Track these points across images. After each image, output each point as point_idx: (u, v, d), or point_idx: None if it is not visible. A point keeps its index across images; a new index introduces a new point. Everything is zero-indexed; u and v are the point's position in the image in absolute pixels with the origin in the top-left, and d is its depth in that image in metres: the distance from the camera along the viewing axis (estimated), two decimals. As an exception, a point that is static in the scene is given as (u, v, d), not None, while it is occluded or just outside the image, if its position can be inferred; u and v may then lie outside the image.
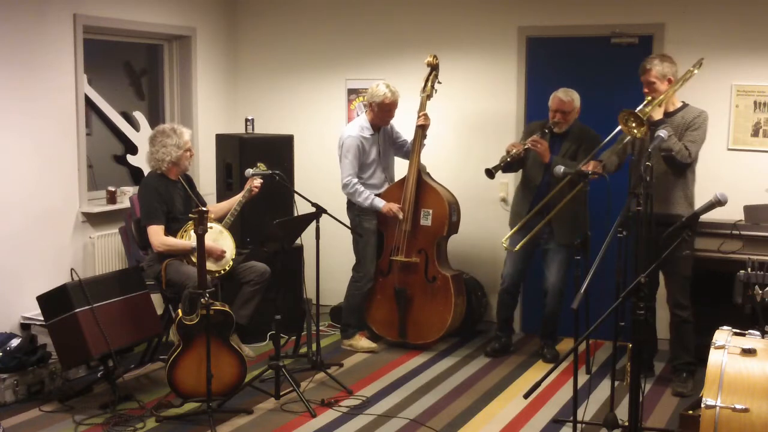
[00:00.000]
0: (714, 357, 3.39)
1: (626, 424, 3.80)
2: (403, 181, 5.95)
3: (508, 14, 6.32)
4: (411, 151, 5.93)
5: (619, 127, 4.89)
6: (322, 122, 6.92)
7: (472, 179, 6.31)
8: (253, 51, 7.18)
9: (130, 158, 6.58)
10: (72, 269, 5.40)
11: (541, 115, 5.82)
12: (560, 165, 5.20)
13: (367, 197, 5.84)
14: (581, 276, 4.59)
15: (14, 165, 5.42)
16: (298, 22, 6.99)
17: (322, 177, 6.64)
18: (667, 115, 5.02)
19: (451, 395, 5.14)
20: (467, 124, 6.51)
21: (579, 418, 4.20)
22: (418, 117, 5.86)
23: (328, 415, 4.80)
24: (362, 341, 6.01)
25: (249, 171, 5.34)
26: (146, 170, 5.66)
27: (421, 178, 5.93)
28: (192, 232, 4.82)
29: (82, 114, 5.88)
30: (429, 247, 5.94)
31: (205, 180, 6.79)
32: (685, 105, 5.12)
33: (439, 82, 5.91)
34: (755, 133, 5.74)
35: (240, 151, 6.03)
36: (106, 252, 6.04)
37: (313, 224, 5.25)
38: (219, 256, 5.21)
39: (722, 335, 3.53)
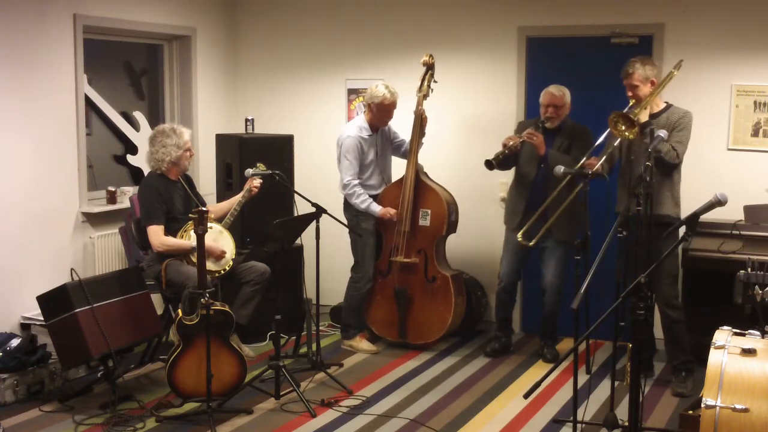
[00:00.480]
0: (714, 357, 3.39)
1: (626, 424, 3.81)
2: (400, 181, 5.95)
3: (508, 14, 6.32)
4: (409, 150, 5.92)
5: (608, 130, 4.91)
6: (322, 122, 6.92)
7: (472, 179, 6.32)
8: (253, 51, 7.18)
9: (130, 158, 6.58)
10: (72, 269, 5.40)
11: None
12: (560, 165, 5.21)
13: (364, 200, 5.83)
14: (581, 276, 4.59)
15: (14, 165, 5.42)
16: (298, 22, 7.00)
17: (322, 177, 6.64)
18: (652, 116, 5.05)
19: (451, 395, 5.14)
20: (467, 124, 6.51)
21: (579, 418, 4.20)
22: (416, 111, 5.84)
23: (328, 415, 4.80)
24: (363, 343, 6.01)
25: (249, 171, 5.34)
26: (146, 170, 5.66)
27: (419, 178, 5.93)
28: (192, 232, 4.82)
29: (82, 114, 5.88)
30: (428, 247, 5.94)
31: (205, 180, 6.79)
32: (668, 106, 5.13)
33: (435, 81, 5.91)
34: (755, 133, 5.74)
35: (240, 151, 6.03)
36: (106, 252, 6.04)
37: (313, 224, 5.25)
38: (219, 256, 5.21)
39: (722, 335, 3.53)
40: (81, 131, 5.87)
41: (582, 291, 3.54)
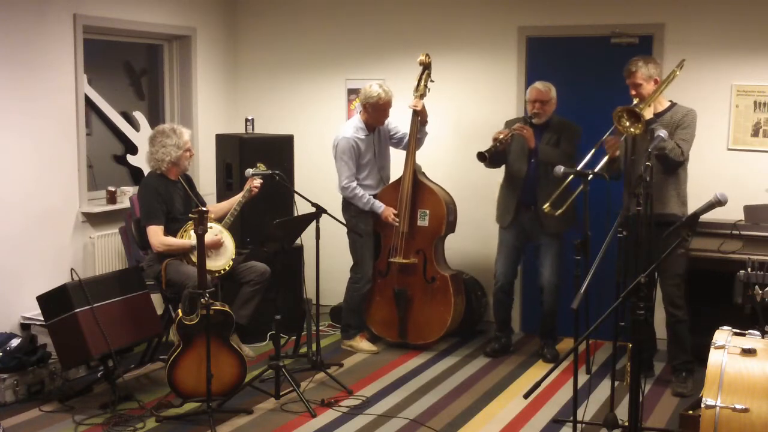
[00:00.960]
0: (714, 357, 3.39)
1: (626, 424, 3.81)
2: (398, 182, 5.95)
3: (508, 14, 6.32)
4: (407, 148, 5.92)
5: (613, 127, 4.89)
6: (322, 122, 6.92)
7: (471, 179, 6.32)
8: (253, 51, 7.18)
9: (130, 158, 6.58)
10: (72, 269, 5.40)
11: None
12: (550, 156, 5.37)
13: (367, 201, 5.84)
14: (581, 276, 4.59)
15: (14, 165, 5.42)
16: (298, 22, 7.00)
17: (322, 177, 6.64)
18: (657, 115, 5.05)
19: (451, 395, 5.14)
20: (467, 124, 6.51)
21: (579, 418, 4.20)
22: (411, 105, 5.84)
23: (328, 415, 4.80)
24: (363, 343, 6.01)
25: (249, 171, 5.34)
26: (146, 170, 5.66)
27: (417, 178, 5.93)
28: (192, 232, 4.82)
29: (82, 114, 5.88)
30: (427, 247, 5.94)
31: (205, 180, 6.79)
32: (673, 104, 5.13)
33: (431, 81, 5.91)
34: (755, 133, 5.74)
35: (240, 151, 6.03)
36: (106, 252, 6.04)
37: (313, 224, 5.25)
38: (218, 245, 5.18)
39: (722, 335, 3.53)
40: (81, 131, 5.87)
41: (582, 291, 3.54)
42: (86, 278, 5.06)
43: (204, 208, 4.61)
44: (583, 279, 3.70)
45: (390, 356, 5.89)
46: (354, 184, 5.83)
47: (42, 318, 5.03)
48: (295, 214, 5.56)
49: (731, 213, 5.20)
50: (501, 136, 5.52)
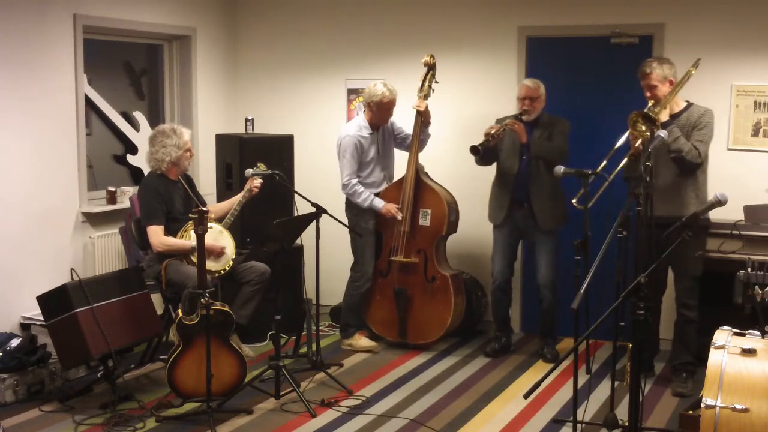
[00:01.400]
0: (714, 357, 3.39)
1: (626, 424, 3.81)
2: (401, 181, 5.96)
3: (508, 14, 6.32)
4: (410, 148, 5.93)
5: (628, 132, 4.85)
6: (322, 122, 6.92)
7: (472, 179, 6.31)
8: (253, 51, 7.18)
9: (130, 158, 6.58)
10: (72, 269, 5.40)
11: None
12: (542, 150, 5.46)
13: (367, 198, 5.84)
14: (581, 276, 4.59)
15: (14, 165, 5.42)
16: (298, 22, 7.00)
17: (322, 177, 6.64)
18: (673, 116, 5.00)
19: (451, 395, 5.14)
20: (467, 125, 6.50)
21: (579, 418, 4.20)
22: (415, 105, 5.84)
23: (328, 415, 4.80)
24: (362, 340, 6.01)
25: (249, 171, 5.34)
26: (146, 170, 5.66)
27: (419, 178, 5.93)
28: (192, 232, 4.82)
29: (82, 114, 5.88)
30: (428, 247, 5.94)
31: (205, 180, 6.79)
32: (689, 105, 5.09)
33: (436, 82, 5.92)
34: (755, 133, 5.74)
35: (240, 151, 6.03)
36: (106, 252, 6.04)
37: (313, 224, 5.26)
38: (219, 254, 5.20)
39: (722, 335, 3.53)
40: (81, 131, 5.87)
41: (582, 291, 3.54)
42: (86, 278, 5.06)
43: (204, 208, 4.61)
44: (583, 279, 3.70)
45: (390, 356, 5.89)
46: (354, 181, 5.83)
47: (42, 318, 5.03)
48: (295, 214, 5.56)
49: (731, 213, 5.19)
50: (493, 131, 5.54)
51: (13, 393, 4.92)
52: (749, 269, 4.32)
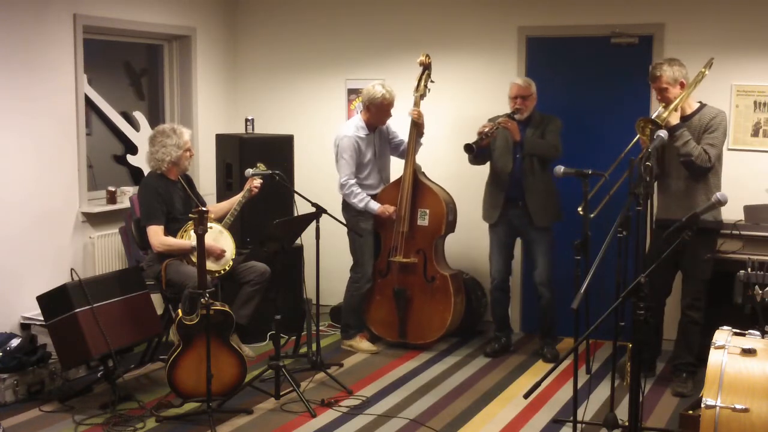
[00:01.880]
0: (714, 357, 3.39)
1: (626, 424, 3.81)
2: (398, 181, 5.95)
3: (508, 14, 6.32)
4: (406, 150, 5.93)
5: (637, 137, 4.84)
6: (322, 122, 6.92)
7: (470, 179, 6.31)
8: (253, 51, 7.18)
9: (130, 158, 6.58)
10: (72, 269, 5.40)
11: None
12: (536, 147, 5.50)
13: (363, 199, 5.84)
14: (581, 276, 4.59)
15: (14, 165, 5.42)
16: (298, 22, 6.99)
17: (322, 177, 6.64)
18: (684, 119, 4.96)
19: (451, 395, 5.14)
20: (467, 125, 6.49)
21: (579, 418, 4.20)
22: (411, 111, 5.86)
23: (328, 415, 4.80)
24: (363, 343, 6.01)
25: (249, 171, 5.34)
26: (146, 170, 5.66)
27: (417, 178, 5.93)
28: (192, 232, 4.82)
29: (82, 114, 5.88)
30: (427, 247, 5.94)
31: (205, 180, 6.79)
32: (702, 106, 5.05)
33: (432, 81, 5.92)
34: (755, 133, 5.74)
35: (240, 151, 6.03)
36: (106, 252, 6.04)
37: (313, 224, 5.25)
38: (219, 255, 5.21)
39: (722, 335, 3.54)
40: (81, 131, 5.87)
41: (582, 291, 3.54)
42: (86, 278, 5.06)
43: (204, 208, 4.61)
44: (583, 279, 3.70)
45: (390, 356, 5.89)
46: (352, 182, 5.83)
47: (42, 318, 5.03)
48: (295, 214, 5.56)
49: (731, 213, 5.19)
50: (486, 130, 5.55)
51: (13, 393, 4.92)
52: (749, 269, 4.32)
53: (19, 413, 4.80)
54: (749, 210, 5.39)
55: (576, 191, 5.04)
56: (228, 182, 6.16)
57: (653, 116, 4.81)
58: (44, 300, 4.94)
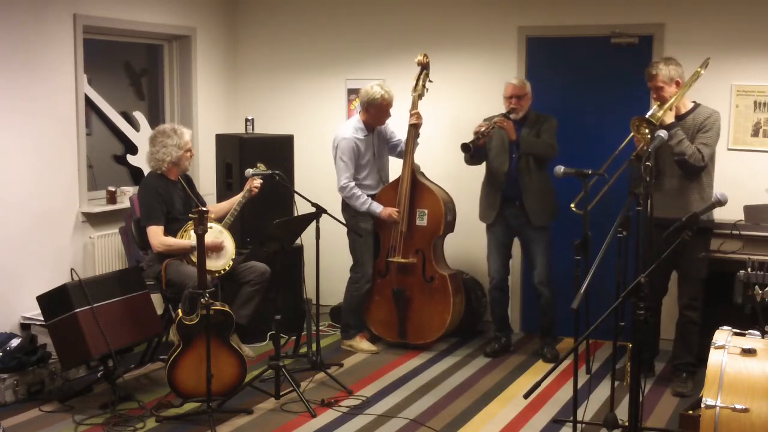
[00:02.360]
0: (714, 357, 3.39)
1: (626, 424, 3.81)
2: (397, 181, 5.95)
3: (508, 14, 6.32)
4: (405, 151, 5.93)
5: (631, 135, 4.85)
6: (322, 122, 6.92)
7: (470, 179, 6.31)
8: (253, 51, 7.18)
9: (130, 158, 6.58)
10: (72, 269, 5.40)
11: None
12: (532, 146, 5.51)
13: (365, 201, 5.83)
14: (581, 276, 4.59)
15: (14, 165, 5.42)
16: (298, 22, 7.00)
17: (322, 177, 6.64)
18: (679, 118, 4.96)
19: (451, 395, 5.14)
20: (466, 124, 6.48)
21: (579, 418, 4.20)
22: (411, 116, 5.86)
23: (328, 415, 4.80)
24: (363, 343, 6.01)
25: (249, 171, 5.34)
26: (146, 170, 5.66)
27: (415, 178, 5.93)
28: (192, 232, 4.82)
29: (82, 114, 5.88)
30: (426, 247, 5.94)
31: (205, 180, 6.79)
32: (696, 106, 5.06)
33: (430, 81, 5.92)
34: (755, 133, 5.74)
35: (240, 151, 6.03)
36: (106, 252, 6.04)
37: (313, 224, 5.25)
38: (219, 248, 5.19)
39: (722, 335, 3.53)
40: (81, 131, 5.87)
41: (582, 291, 3.54)
42: (86, 278, 5.06)
43: (204, 208, 4.61)
44: (583, 279, 3.70)
45: (390, 356, 5.89)
46: (352, 184, 5.82)
47: (42, 318, 5.03)
48: (295, 214, 5.56)
49: (731, 213, 5.19)
50: (482, 129, 5.55)
51: (13, 393, 4.92)
52: (749, 269, 4.32)
53: (19, 413, 4.80)
54: (749, 210, 5.39)
55: (573, 190, 5.04)
56: (228, 182, 6.17)
57: (648, 115, 4.82)
58: (44, 300, 4.94)
